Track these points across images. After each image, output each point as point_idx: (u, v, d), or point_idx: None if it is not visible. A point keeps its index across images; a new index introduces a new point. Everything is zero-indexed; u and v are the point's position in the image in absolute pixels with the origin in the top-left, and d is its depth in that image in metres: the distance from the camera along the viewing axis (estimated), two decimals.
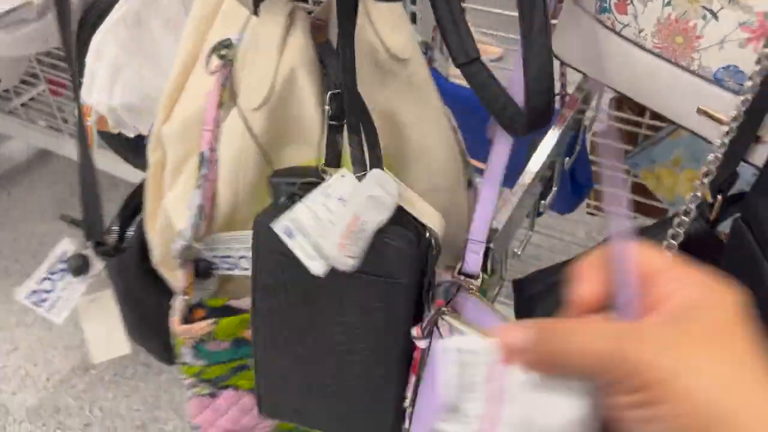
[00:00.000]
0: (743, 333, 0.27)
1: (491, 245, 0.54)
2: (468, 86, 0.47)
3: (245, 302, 0.62)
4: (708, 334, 0.27)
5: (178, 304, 0.62)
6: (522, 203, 0.61)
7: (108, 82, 0.68)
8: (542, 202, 0.69)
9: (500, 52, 1.71)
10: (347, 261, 0.48)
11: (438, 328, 0.52)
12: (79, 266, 0.69)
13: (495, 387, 0.31)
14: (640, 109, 0.90)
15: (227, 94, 0.57)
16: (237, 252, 0.60)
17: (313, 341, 0.57)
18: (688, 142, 0.80)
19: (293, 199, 0.51)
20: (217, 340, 0.64)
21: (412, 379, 0.56)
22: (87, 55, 0.68)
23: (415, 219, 0.52)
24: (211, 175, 0.57)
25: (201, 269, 0.62)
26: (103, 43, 0.67)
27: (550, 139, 0.63)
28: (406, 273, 0.51)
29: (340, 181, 0.51)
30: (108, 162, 1.61)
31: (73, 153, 1.72)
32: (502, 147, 0.51)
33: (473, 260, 0.53)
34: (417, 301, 0.53)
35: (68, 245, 0.70)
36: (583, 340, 0.28)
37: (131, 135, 0.78)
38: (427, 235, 0.52)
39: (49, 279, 0.69)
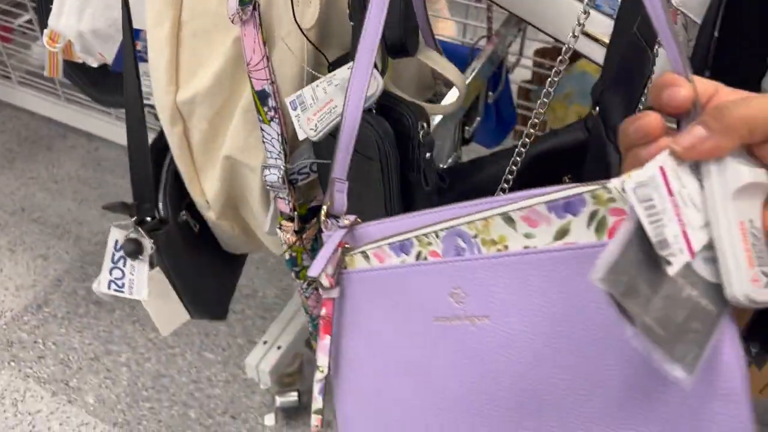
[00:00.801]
0: None
1: (431, 153, 0.60)
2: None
3: (321, 198, 0.72)
4: None
5: (289, 223, 0.71)
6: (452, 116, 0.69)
7: (77, 7, 0.74)
8: (467, 128, 0.79)
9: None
10: (309, 132, 0.58)
11: (345, 271, 0.50)
12: (133, 250, 0.73)
13: (677, 199, 0.34)
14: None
15: (264, 32, 0.62)
16: (308, 159, 0.68)
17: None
18: (578, 79, 0.90)
19: None
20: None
21: (325, 341, 0.51)
22: None
23: (408, 110, 0.58)
24: (278, 104, 0.64)
25: None
26: None
27: (475, 65, 0.73)
28: (376, 154, 0.57)
29: (345, 71, 0.60)
30: (59, 111, 1.64)
31: (21, 101, 1.74)
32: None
33: (339, 199, 0.51)
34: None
35: (117, 234, 0.73)
36: (756, 101, 0.34)
37: (95, 65, 0.84)
38: (417, 123, 0.57)
39: (116, 268, 0.74)
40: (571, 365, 0.39)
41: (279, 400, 1.16)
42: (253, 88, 0.64)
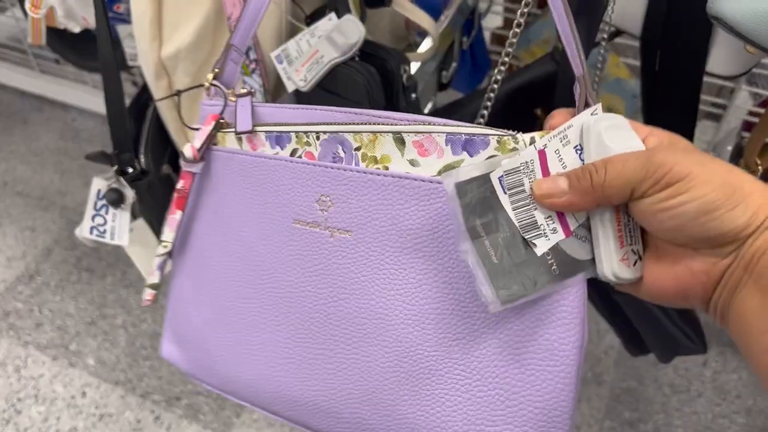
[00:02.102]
0: None
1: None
2: None
3: None
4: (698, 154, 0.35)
5: None
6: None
7: None
8: (444, 73, 0.83)
9: None
10: (299, 83, 0.61)
11: (214, 147, 0.48)
12: (115, 199, 0.76)
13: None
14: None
15: None
16: None
17: None
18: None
19: None
20: None
21: (175, 215, 0.49)
22: None
23: (389, 55, 0.60)
24: (259, 55, 0.66)
25: None
26: None
27: (447, 12, 0.76)
28: (365, 99, 0.60)
29: (327, 22, 0.62)
30: (33, 82, 1.63)
31: None
32: None
33: (231, 69, 0.48)
34: None
35: (99, 183, 0.76)
36: (619, 166, 0.34)
37: (77, 30, 0.85)
38: (400, 66, 0.60)
39: (98, 215, 0.77)
40: (422, 297, 0.40)
41: None
42: None
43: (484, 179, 0.36)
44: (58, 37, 0.96)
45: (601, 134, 0.36)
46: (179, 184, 0.49)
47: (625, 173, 0.34)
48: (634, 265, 0.37)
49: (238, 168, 0.46)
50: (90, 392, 1.20)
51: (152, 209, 0.79)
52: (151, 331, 1.30)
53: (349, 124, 0.41)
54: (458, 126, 0.38)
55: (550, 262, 0.37)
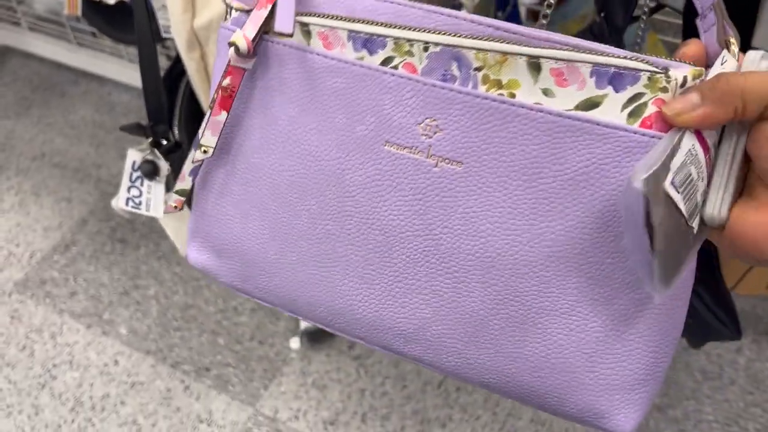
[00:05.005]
0: None
1: None
2: None
3: None
4: None
5: None
6: None
7: None
8: None
9: None
10: None
11: (272, 39, 0.40)
12: (150, 171, 0.77)
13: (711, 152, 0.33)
14: None
15: None
16: None
17: None
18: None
19: None
20: None
21: (220, 116, 0.42)
22: None
23: None
24: None
25: None
26: None
27: None
28: None
29: None
30: (71, 56, 1.65)
31: (32, 48, 1.75)
32: None
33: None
34: None
35: (134, 155, 0.77)
36: (757, 76, 0.32)
37: (112, 1, 0.86)
38: None
39: (134, 186, 0.78)
40: (545, 245, 0.36)
41: (303, 325, 1.21)
42: None
43: (654, 177, 0.32)
44: (93, 10, 0.97)
45: None
46: (226, 81, 0.41)
47: (765, 84, 0.31)
48: (730, 206, 0.33)
49: (305, 69, 0.39)
50: (122, 360, 1.23)
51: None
52: (183, 302, 1.32)
53: (474, 38, 0.34)
54: (608, 56, 0.33)
55: (695, 225, 0.34)
